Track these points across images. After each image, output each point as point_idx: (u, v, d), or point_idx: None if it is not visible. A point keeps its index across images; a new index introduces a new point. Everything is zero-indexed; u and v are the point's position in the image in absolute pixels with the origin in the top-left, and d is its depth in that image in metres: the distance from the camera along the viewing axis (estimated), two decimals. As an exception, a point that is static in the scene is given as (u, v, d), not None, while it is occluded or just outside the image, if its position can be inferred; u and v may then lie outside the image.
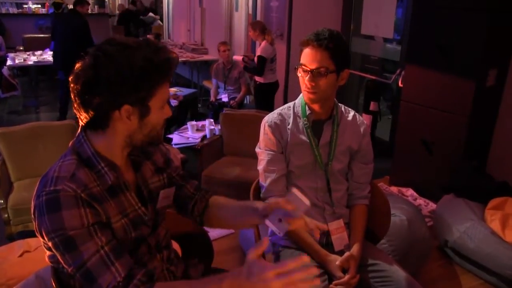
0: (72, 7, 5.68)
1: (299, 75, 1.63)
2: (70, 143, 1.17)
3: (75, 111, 1.12)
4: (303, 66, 1.59)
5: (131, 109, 1.08)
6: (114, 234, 1.11)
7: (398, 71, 4.30)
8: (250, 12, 6.58)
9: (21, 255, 2.15)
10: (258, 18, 6.03)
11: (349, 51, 1.67)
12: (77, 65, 1.08)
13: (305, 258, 0.96)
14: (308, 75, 1.58)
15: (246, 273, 0.94)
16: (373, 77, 4.84)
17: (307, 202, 1.13)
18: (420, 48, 3.48)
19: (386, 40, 4.92)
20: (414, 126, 3.60)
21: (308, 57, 1.58)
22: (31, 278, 1.73)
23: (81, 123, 1.15)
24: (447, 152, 3.35)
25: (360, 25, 5.05)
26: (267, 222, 1.15)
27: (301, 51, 1.62)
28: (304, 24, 4.89)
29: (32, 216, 1.09)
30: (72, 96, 1.10)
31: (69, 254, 1.03)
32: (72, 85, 1.08)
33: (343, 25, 5.15)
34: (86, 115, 1.11)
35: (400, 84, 3.97)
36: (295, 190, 1.15)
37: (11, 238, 2.79)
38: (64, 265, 1.07)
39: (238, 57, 5.33)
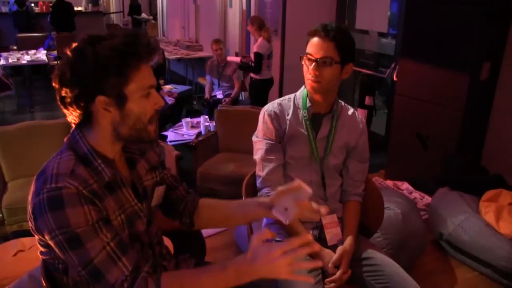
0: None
1: (304, 64, 1.64)
2: (65, 139, 1.15)
3: (63, 110, 1.13)
4: (309, 55, 1.60)
5: (107, 100, 1.07)
6: None
7: (392, 65, 4.30)
8: (244, 8, 6.55)
9: (15, 255, 2.13)
10: (252, 14, 6.01)
11: (354, 46, 1.66)
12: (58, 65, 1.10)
13: (310, 236, 1.05)
14: (313, 64, 1.59)
15: (251, 257, 1.01)
16: (368, 72, 4.84)
17: (309, 190, 1.20)
18: (414, 42, 3.47)
19: (380, 34, 4.92)
20: (408, 120, 3.60)
21: (314, 47, 1.59)
22: (24, 277, 1.72)
23: (71, 121, 1.15)
24: (442, 145, 3.36)
25: (354, 20, 5.04)
26: (274, 212, 1.22)
27: (308, 41, 1.63)
28: (299, 20, 4.87)
29: (31, 214, 1.07)
30: (56, 95, 1.11)
31: (74, 252, 1.02)
32: (53, 84, 1.10)
33: (337, 20, 5.14)
34: (70, 112, 1.12)
35: (395, 78, 3.97)
36: (297, 180, 1.21)
37: (6, 238, 2.78)
38: (69, 263, 1.06)
39: (232, 58, 5.29)
